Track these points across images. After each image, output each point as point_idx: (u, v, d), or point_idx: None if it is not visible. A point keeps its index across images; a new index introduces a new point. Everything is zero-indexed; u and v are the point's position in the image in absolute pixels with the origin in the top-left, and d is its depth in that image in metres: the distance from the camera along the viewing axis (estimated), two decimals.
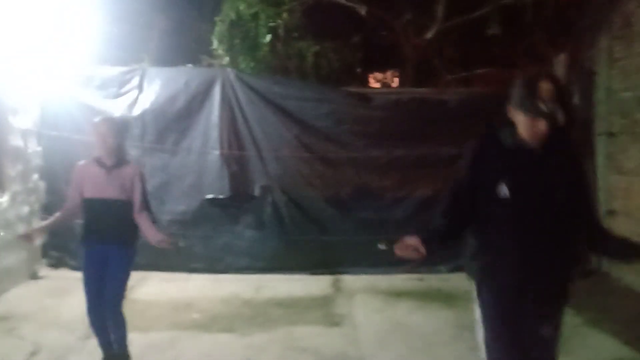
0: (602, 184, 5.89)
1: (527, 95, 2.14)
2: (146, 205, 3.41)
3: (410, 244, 2.25)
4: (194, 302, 4.97)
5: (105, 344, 3.42)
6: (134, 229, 3.39)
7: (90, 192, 3.31)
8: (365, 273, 5.73)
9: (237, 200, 5.91)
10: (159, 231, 3.39)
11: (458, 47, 7.64)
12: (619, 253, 2.41)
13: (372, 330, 4.33)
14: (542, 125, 2.14)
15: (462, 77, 7.32)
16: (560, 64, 5.89)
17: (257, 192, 5.97)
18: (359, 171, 6.02)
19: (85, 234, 3.36)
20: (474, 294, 2.39)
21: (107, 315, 3.32)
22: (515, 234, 2.25)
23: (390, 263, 5.40)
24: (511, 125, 2.27)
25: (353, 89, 6.66)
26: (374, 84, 10.46)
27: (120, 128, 3.36)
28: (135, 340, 3.86)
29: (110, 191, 3.28)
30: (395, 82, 10.16)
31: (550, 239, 2.25)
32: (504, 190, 2.22)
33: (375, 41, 8.31)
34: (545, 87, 2.12)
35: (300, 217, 5.97)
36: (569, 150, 2.38)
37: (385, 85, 10.37)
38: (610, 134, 5.73)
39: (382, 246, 2.36)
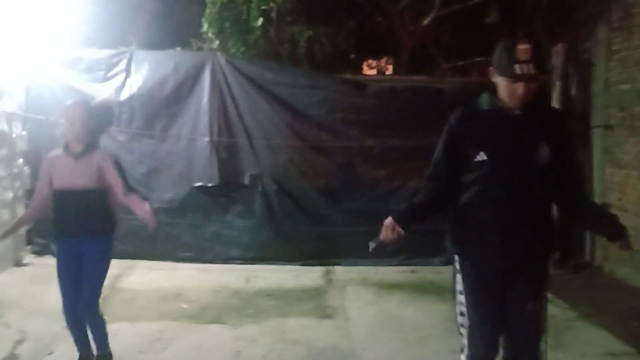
0: (598, 177, 5.84)
1: (505, 59, 2.19)
2: (130, 187, 3.17)
3: (387, 226, 2.29)
4: (183, 292, 4.88)
5: (82, 345, 3.27)
6: (108, 218, 3.18)
7: (58, 183, 3.10)
8: (358, 264, 5.65)
9: (227, 189, 5.81)
10: (152, 211, 3.14)
11: (455, 35, 7.50)
12: (600, 228, 2.37)
13: (365, 323, 4.27)
14: (520, 88, 2.18)
15: (458, 65, 7.21)
16: (557, 55, 5.80)
17: (247, 180, 5.85)
18: (352, 160, 5.91)
19: (56, 227, 3.15)
20: (456, 267, 2.37)
21: (83, 315, 3.16)
22: (494, 205, 2.22)
23: (383, 254, 5.36)
24: (492, 89, 2.31)
25: (347, 76, 6.53)
26: (368, 71, 10.31)
27: (92, 113, 3.11)
28: (122, 331, 3.84)
29: (79, 180, 3.07)
30: (390, 69, 10.02)
31: (531, 210, 2.22)
32: (481, 155, 2.24)
33: (370, 27, 8.13)
34: (522, 48, 2.15)
35: (291, 207, 5.86)
36: (552, 112, 2.41)
37: (380, 72, 10.22)
38: (608, 127, 5.67)
39: (372, 245, 2.38)
